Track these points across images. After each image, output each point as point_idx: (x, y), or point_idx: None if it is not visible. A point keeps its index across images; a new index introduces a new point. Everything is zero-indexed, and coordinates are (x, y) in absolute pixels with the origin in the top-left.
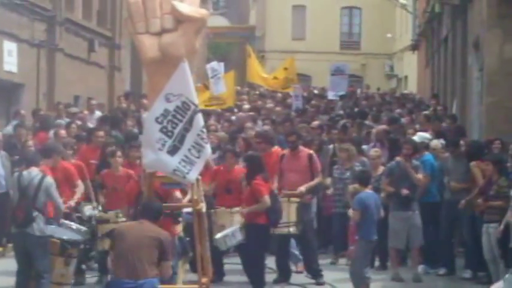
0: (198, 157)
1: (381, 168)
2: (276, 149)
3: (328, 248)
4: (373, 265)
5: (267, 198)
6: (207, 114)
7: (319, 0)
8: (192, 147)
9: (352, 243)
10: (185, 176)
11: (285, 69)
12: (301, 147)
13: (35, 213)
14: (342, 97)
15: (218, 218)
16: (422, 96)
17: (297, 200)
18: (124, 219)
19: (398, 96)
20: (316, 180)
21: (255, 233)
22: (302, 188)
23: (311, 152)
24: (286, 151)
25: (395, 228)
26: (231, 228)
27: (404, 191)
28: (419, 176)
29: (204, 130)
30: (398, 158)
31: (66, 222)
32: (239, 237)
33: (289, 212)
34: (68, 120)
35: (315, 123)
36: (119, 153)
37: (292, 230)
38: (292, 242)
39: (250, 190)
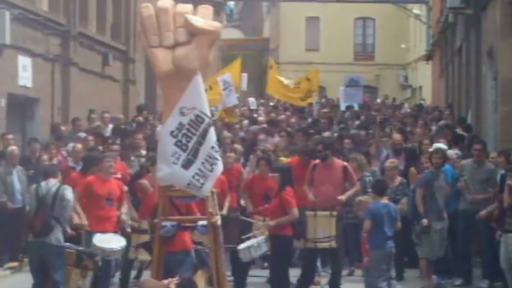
0: (211, 171)
1: (398, 179)
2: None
3: (343, 260)
4: (402, 277)
5: (296, 210)
6: (227, 127)
7: (332, 11)
8: (205, 161)
9: (365, 254)
10: (199, 190)
11: (308, 79)
12: (334, 159)
13: (53, 223)
14: (348, 108)
15: (255, 229)
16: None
17: (335, 213)
18: None
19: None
20: (354, 189)
21: (281, 245)
22: (342, 197)
23: (345, 164)
24: (318, 161)
25: (433, 239)
26: (256, 238)
27: (425, 221)
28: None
29: (217, 143)
30: (430, 168)
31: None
32: (264, 248)
33: (331, 227)
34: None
35: (327, 133)
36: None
37: (332, 244)
38: None
39: (280, 201)
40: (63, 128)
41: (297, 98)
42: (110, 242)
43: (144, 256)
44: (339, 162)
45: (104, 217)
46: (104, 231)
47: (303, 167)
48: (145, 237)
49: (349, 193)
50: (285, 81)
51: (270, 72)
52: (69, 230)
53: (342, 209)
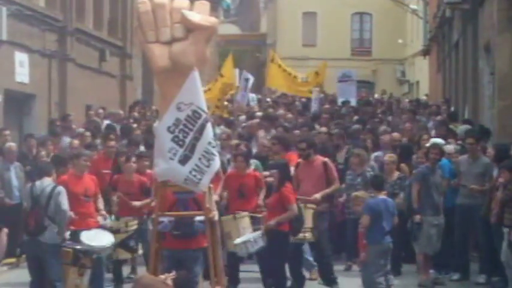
0: (208, 166)
1: (396, 173)
2: (291, 154)
3: (341, 255)
4: (399, 272)
5: (295, 207)
6: (226, 123)
7: (329, 6)
8: (202, 156)
9: (362, 250)
10: (196, 185)
11: (317, 74)
12: (316, 156)
13: (47, 222)
14: (344, 103)
15: (224, 226)
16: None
17: (313, 206)
18: (134, 227)
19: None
20: (332, 188)
21: (277, 240)
22: (317, 196)
23: (326, 159)
24: (300, 160)
25: (430, 233)
26: (252, 233)
27: (417, 217)
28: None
29: (214, 139)
30: (426, 163)
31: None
32: (260, 243)
33: (306, 218)
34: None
35: (323, 129)
36: (133, 159)
37: (307, 235)
38: (306, 248)
39: (279, 197)
40: (74, 126)
41: (306, 91)
42: (98, 239)
43: (124, 255)
44: (320, 158)
45: (85, 214)
46: (88, 228)
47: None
48: (119, 236)
49: (327, 191)
50: (293, 73)
51: (271, 66)
52: (67, 236)
53: (326, 207)
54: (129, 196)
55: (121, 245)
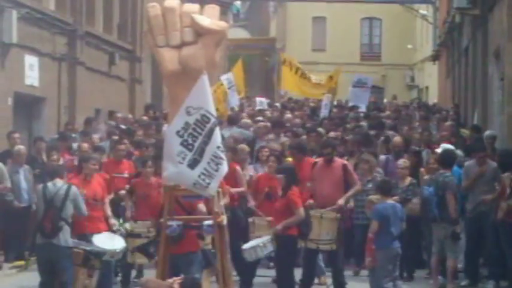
0: (216, 170)
1: (408, 179)
2: (308, 158)
3: (350, 260)
4: (401, 276)
5: (302, 210)
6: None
7: (339, 11)
8: (211, 161)
9: (369, 255)
10: (205, 190)
11: (331, 77)
12: (335, 158)
13: (61, 224)
14: (352, 108)
15: (256, 229)
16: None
17: (339, 216)
18: (155, 233)
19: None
20: (354, 190)
21: (286, 244)
22: (340, 202)
23: (345, 162)
24: (318, 159)
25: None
26: (261, 238)
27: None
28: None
29: (222, 143)
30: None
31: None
32: (270, 248)
33: (334, 229)
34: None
35: (332, 133)
36: (149, 162)
37: (333, 246)
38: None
39: (286, 201)
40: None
41: (319, 93)
42: (109, 242)
43: (141, 259)
44: (339, 161)
45: (96, 217)
46: (98, 232)
47: (295, 164)
48: (140, 241)
49: (347, 195)
50: (307, 74)
51: (283, 68)
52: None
53: (345, 212)
54: (148, 199)
55: (140, 249)
